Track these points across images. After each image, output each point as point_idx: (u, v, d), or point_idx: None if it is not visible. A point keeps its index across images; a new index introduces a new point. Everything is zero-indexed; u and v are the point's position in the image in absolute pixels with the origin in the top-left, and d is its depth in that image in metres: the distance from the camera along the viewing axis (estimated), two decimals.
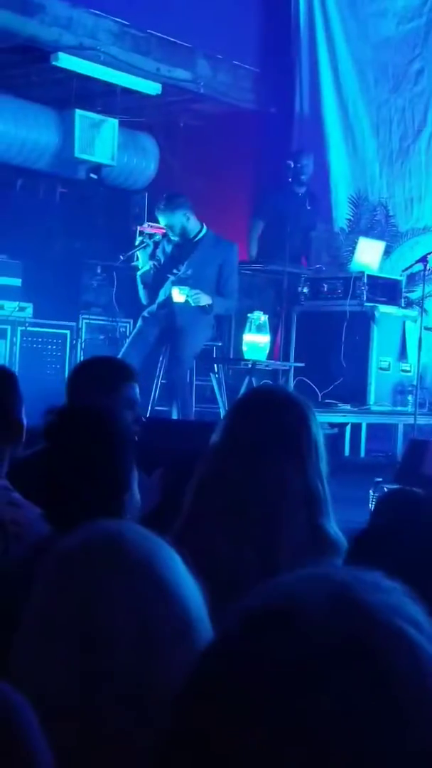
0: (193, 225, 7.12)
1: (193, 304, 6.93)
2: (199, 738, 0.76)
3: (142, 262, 7.19)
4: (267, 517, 2.09)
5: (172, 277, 7.09)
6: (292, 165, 8.28)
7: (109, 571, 1.22)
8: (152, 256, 7.20)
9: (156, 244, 7.28)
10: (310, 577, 0.81)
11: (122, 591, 1.21)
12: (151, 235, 7.51)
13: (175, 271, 7.08)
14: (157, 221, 7.52)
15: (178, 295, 6.97)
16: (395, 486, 4.87)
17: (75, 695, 1.17)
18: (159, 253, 7.25)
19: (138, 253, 7.22)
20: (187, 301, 6.93)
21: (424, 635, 0.78)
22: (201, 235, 7.16)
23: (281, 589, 0.81)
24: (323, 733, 0.72)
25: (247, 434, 2.17)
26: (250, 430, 2.17)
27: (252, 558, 2.00)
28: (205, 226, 7.20)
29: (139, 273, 7.22)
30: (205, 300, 6.95)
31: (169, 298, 7.03)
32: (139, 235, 7.52)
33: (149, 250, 7.18)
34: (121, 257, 7.56)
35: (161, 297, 7.10)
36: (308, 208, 8.48)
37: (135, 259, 7.26)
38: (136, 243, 7.36)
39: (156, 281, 7.16)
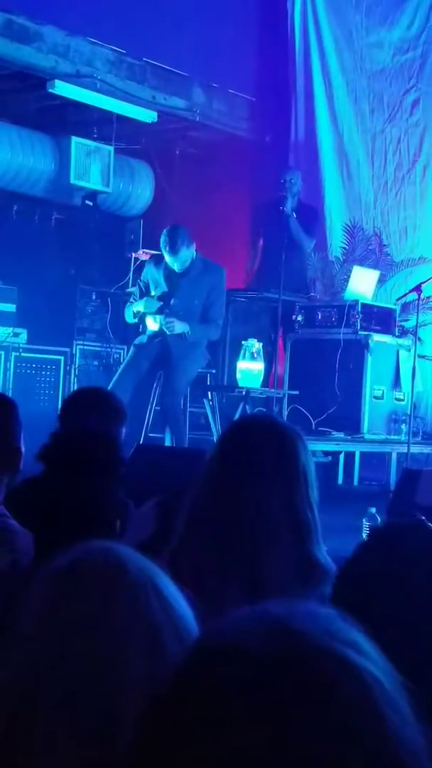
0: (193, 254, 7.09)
1: (168, 333, 6.89)
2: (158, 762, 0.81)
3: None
4: (253, 546, 2.08)
5: (162, 307, 7.05)
6: (280, 182, 8.30)
7: (115, 584, 1.22)
8: (147, 291, 7.17)
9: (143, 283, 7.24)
10: (250, 614, 0.86)
11: (129, 602, 1.21)
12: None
13: (164, 303, 7.03)
14: (156, 246, 7.47)
15: (153, 323, 6.95)
16: (387, 516, 4.86)
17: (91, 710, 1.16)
18: (147, 277, 7.20)
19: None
20: (162, 330, 6.90)
21: (365, 657, 0.83)
22: (191, 261, 7.09)
23: (224, 627, 0.86)
24: (270, 760, 0.76)
25: (235, 463, 2.16)
26: (237, 460, 2.17)
27: (239, 586, 1.99)
28: (195, 252, 7.14)
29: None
30: (179, 328, 6.90)
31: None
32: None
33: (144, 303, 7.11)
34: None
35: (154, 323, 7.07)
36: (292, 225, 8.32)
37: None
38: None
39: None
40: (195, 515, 2.17)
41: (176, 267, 6.97)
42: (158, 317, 6.92)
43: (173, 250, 6.89)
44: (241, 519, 2.10)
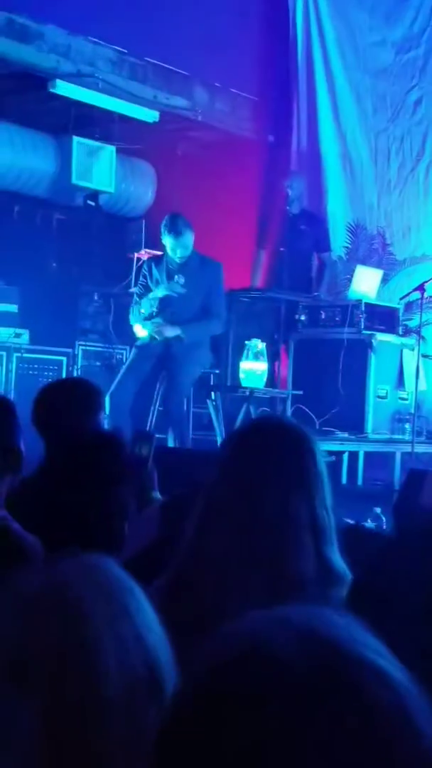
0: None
1: (159, 339, 6.86)
2: None
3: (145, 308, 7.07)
4: (274, 550, 2.06)
5: (154, 292, 6.98)
6: (283, 186, 8.41)
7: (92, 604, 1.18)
8: (146, 287, 7.12)
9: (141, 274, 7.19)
10: (270, 619, 0.83)
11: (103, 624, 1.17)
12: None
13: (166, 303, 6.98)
14: (157, 247, 7.44)
15: (141, 330, 6.93)
16: (393, 517, 4.83)
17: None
18: (148, 277, 7.15)
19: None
20: (153, 336, 6.88)
21: (387, 661, 0.82)
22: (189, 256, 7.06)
23: (244, 634, 0.82)
24: None
25: (252, 467, 2.13)
26: (254, 463, 2.14)
27: (260, 590, 1.96)
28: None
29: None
30: (169, 332, 6.87)
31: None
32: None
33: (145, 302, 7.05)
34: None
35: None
36: (301, 227, 8.44)
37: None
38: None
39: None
40: (209, 521, 2.13)
41: (178, 253, 6.92)
42: (147, 324, 6.91)
43: (178, 232, 6.86)
44: (265, 521, 2.08)
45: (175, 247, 6.91)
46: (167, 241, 6.94)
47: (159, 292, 6.97)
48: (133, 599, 1.20)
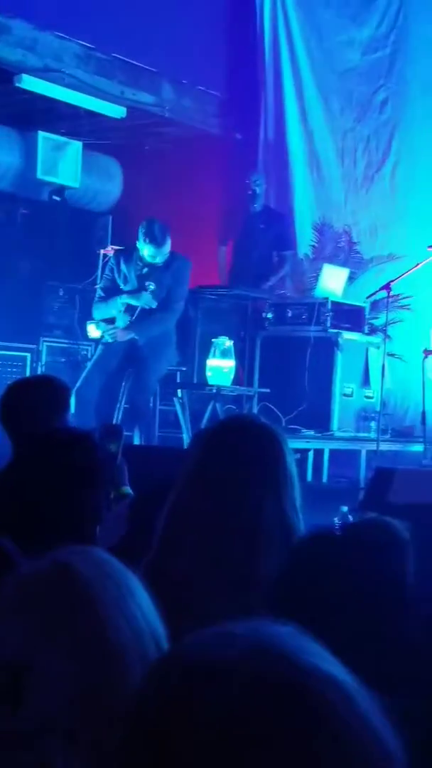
0: None
1: (111, 340, 6.86)
2: None
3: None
4: (243, 549, 2.05)
5: (124, 298, 6.97)
6: (246, 183, 8.43)
7: (97, 585, 1.19)
8: (113, 281, 7.11)
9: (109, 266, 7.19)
10: (214, 634, 0.83)
11: (112, 603, 1.18)
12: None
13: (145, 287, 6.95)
14: (124, 243, 7.41)
15: (94, 330, 6.92)
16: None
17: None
18: (114, 272, 7.12)
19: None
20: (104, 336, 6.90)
21: (333, 666, 0.82)
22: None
23: (188, 650, 0.83)
24: None
25: (223, 465, 2.12)
26: (225, 461, 2.12)
27: (227, 590, 1.95)
28: None
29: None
30: (122, 336, 6.87)
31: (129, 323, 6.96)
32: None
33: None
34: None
35: (122, 323, 6.99)
36: (261, 226, 8.45)
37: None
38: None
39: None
40: (179, 519, 2.12)
41: (158, 259, 6.90)
42: (101, 325, 6.90)
43: (160, 242, 6.83)
44: (235, 521, 2.07)
45: (155, 254, 6.88)
46: (146, 248, 6.89)
47: (132, 301, 6.93)
48: (131, 580, 1.22)
